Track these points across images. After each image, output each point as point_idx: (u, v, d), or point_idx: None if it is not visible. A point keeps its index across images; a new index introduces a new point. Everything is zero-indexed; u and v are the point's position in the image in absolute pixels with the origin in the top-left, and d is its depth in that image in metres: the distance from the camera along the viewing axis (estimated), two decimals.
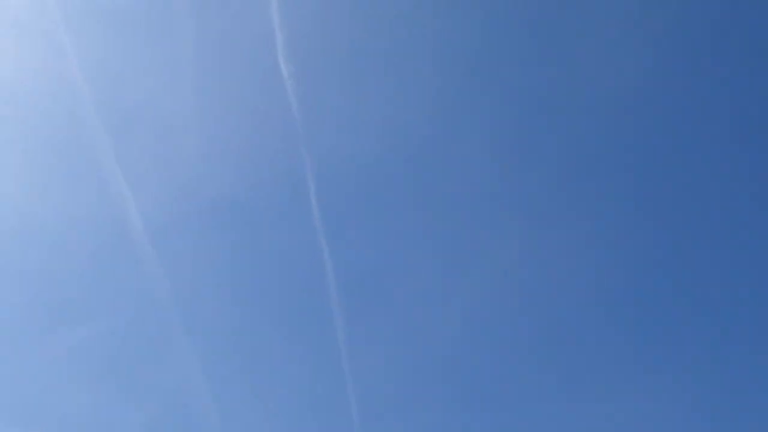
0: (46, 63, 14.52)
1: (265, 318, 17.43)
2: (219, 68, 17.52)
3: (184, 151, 17.31)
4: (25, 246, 16.13)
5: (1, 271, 15.54)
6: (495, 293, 16.92)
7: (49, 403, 14.67)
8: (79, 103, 15.47)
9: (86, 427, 14.87)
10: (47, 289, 16.47)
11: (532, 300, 16.69)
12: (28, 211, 16.28)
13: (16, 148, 15.76)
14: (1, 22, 12.32)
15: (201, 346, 16.01)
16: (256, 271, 17.85)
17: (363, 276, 17.80)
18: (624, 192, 16.68)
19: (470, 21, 16.85)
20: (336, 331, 15.14)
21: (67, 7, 12.99)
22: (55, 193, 16.84)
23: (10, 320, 15.68)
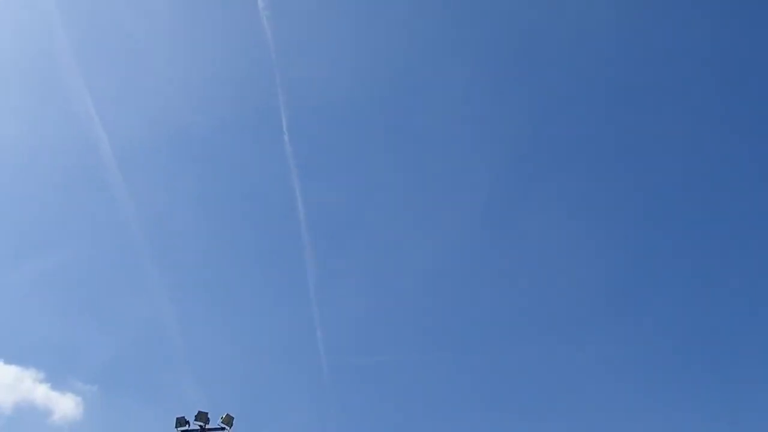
0: None
1: (234, 252, 17.48)
2: None
3: (156, 79, 16.80)
4: None
5: None
6: (460, 238, 17.38)
7: (18, 328, 14.78)
8: (53, 28, 14.90)
9: (54, 353, 15.04)
10: (16, 213, 16.19)
11: (496, 246, 17.23)
12: None
13: None
14: None
15: (169, 277, 16.13)
16: (226, 203, 17.76)
17: (333, 214, 17.94)
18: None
19: None
20: (306, 268, 15.51)
21: None
22: (24, 114, 16.30)
23: None
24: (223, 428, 7.86)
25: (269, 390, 15.07)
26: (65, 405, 13.62)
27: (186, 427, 7.79)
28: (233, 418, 7.89)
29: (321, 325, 14.68)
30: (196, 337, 15.13)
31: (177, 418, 7.77)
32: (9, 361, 13.90)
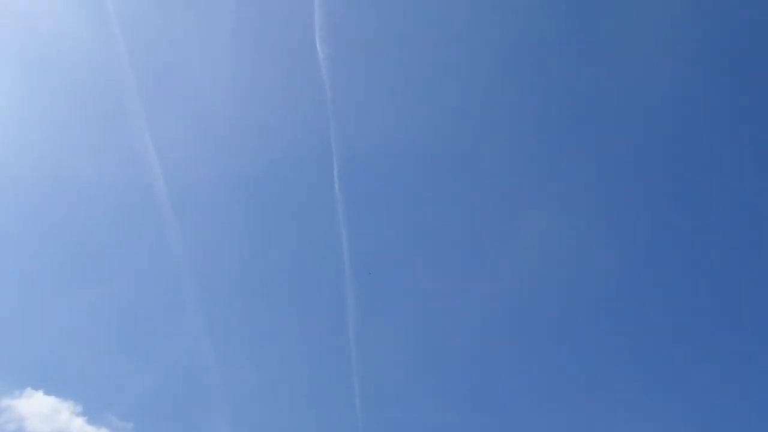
0: (88, 23, 14.40)
1: (277, 297, 17.23)
2: (257, 43, 17.21)
3: (214, 120, 17.08)
4: (55, 199, 16.03)
5: (30, 223, 15.47)
6: (505, 294, 16.63)
7: (61, 359, 14.86)
8: (117, 65, 15.40)
9: (94, 386, 15.00)
10: (71, 243, 16.47)
11: (542, 302, 16.42)
12: (60, 166, 16.26)
13: (55, 103, 15.68)
14: None
15: (212, 317, 15.96)
16: (273, 247, 17.61)
17: (378, 266, 17.51)
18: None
19: (501, 20, 16.44)
20: (347, 320, 15.14)
21: None
22: (86, 151, 16.75)
23: (33, 273, 15.71)
24: None
25: None
26: None
27: None
28: None
29: (359, 377, 14.25)
30: (233, 381, 14.87)
31: None
32: (49, 391, 13.96)
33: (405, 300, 17.08)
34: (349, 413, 14.58)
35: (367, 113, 17.36)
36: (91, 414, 14.07)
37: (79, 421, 13.62)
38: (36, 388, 13.61)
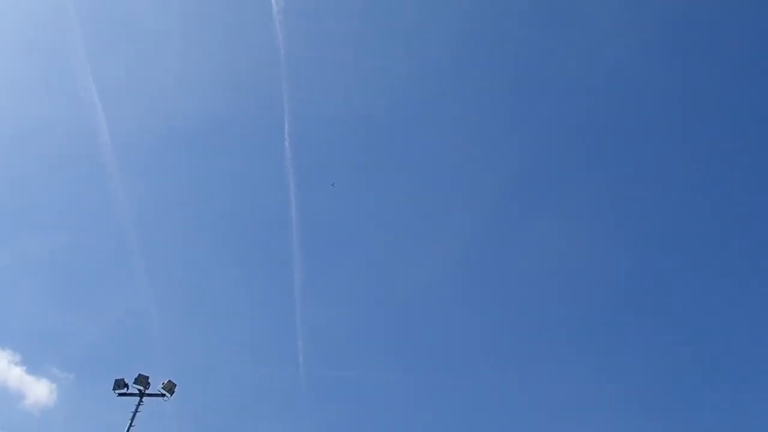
0: None
1: (222, 252, 17.16)
2: None
3: (163, 74, 16.70)
4: None
5: None
6: (453, 257, 16.91)
7: (1, 307, 14.50)
8: (62, 12, 14.92)
9: (34, 337, 14.77)
10: (12, 191, 15.99)
11: (484, 267, 16.71)
12: (2, 110, 15.64)
13: None
14: None
15: (154, 271, 15.82)
16: (219, 203, 17.47)
17: (327, 224, 17.59)
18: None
19: None
20: (293, 277, 15.18)
21: None
22: (29, 97, 16.24)
23: None
24: (164, 394, 7.53)
25: (243, 392, 14.67)
26: (39, 390, 13.34)
27: (124, 390, 7.49)
28: (175, 385, 7.56)
29: (303, 335, 14.39)
30: (177, 333, 14.85)
31: (116, 380, 7.45)
32: None
33: (351, 260, 17.22)
34: (292, 370, 14.74)
35: (319, 72, 17.18)
36: (30, 364, 13.90)
37: (18, 371, 13.45)
38: None
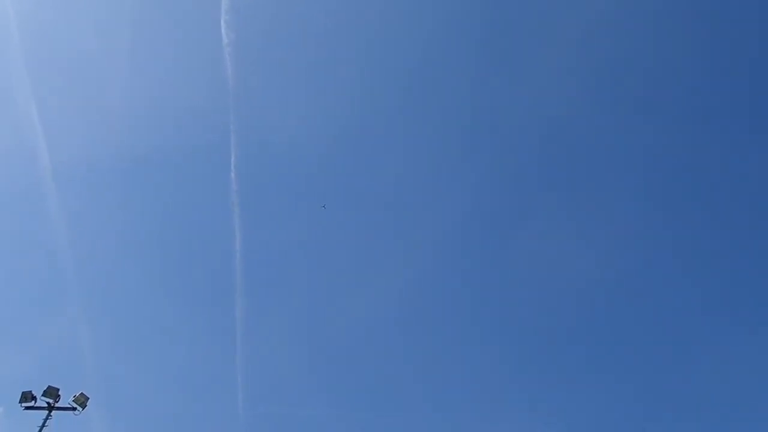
0: None
1: (163, 284, 16.57)
2: (160, 20, 16.65)
3: (108, 99, 16.28)
4: None
5: None
6: (392, 297, 16.60)
7: None
8: (8, 33, 14.52)
9: None
10: None
11: (424, 306, 16.43)
12: None
13: None
14: None
15: (91, 302, 15.19)
16: (161, 233, 16.97)
17: (272, 259, 17.19)
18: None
19: (412, 14, 16.38)
20: (235, 312, 14.74)
21: None
22: None
23: None
24: (75, 408, 7.03)
25: (181, 429, 13.99)
26: None
27: (32, 404, 6.96)
28: (88, 398, 7.07)
29: (242, 371, 13.90)
30: (111, 367, 14.19)
31: (23, 393, 6.94)
32: None
33: (295, 296, 16.84)
34: (231, 407, 14.19)
35: (269, 103, 17.08)
36: None
37: None
38: None
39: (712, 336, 15.01)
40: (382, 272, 15.99)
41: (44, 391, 6.91)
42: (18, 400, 6.87)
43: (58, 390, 6.93)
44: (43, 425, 6.80)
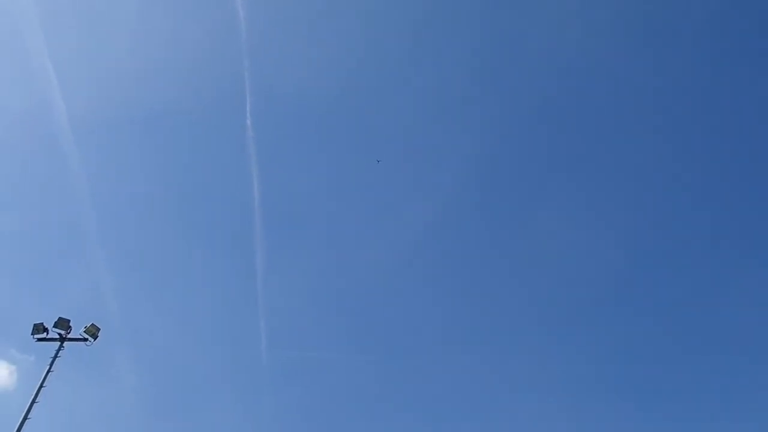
0: None
1: (184, 232, 16.73)
2: None
3: (121, 52, 16.29)
4: None
5: None
6: (414, 240, 16.56)
7: None
8: None
9: None
10: None
11: (448, 249, 16.38)
12: None
13: None
14: None
15: (114, 251, 15.38)
16: (180, 182, 17.06)
17: (289, 205, 17.22)
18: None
19: None
20: (256, 257, 14.86)
21: None
22: None
23: None
24: (86, 339, 7.12)
25: (205, 373, 14.27)
26: None
27: (44, 335, 7.07)
28: (99, 329, 7.15)
29: (265, 316, 14.05)
30: (135, 314, 14.44)
31: (35, 325, 7.03)
32: None
33: (314, 240, 16.89)
34: (254, 351, 14.39)
35: (282, 48, 16.90)
36: None
37: None
38: None
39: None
40: (399, 216, 15.92)
41: (55, 322, 7.01)
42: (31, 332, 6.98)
43: (68, 321, 7.01)
44: (56, 356, 6.91)
